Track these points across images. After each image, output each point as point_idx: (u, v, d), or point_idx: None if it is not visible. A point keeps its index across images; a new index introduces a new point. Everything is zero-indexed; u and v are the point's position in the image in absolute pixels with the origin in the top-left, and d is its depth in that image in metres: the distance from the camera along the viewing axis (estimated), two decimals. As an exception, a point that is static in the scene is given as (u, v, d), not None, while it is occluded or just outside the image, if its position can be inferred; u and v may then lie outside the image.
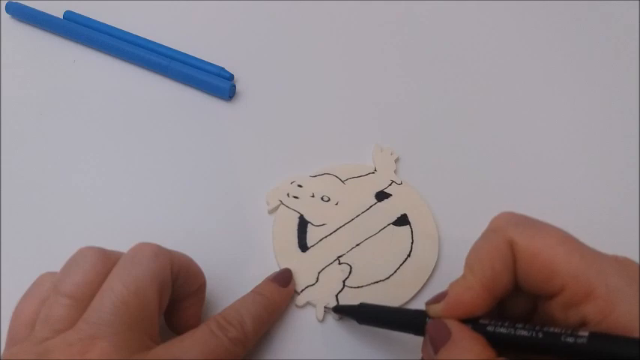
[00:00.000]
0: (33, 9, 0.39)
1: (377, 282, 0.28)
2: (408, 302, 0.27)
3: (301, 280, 0.28)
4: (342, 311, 0.27)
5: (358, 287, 0.28)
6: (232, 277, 0.28)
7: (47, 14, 0.39)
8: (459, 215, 0.30)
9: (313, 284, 0.28)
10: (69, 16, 0.39)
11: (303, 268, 0.28)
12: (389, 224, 0.30)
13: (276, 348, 0.26)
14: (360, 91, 0.36)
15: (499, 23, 0.40)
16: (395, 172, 0.32)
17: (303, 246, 0.29)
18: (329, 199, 0.30)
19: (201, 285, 0.25)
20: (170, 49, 0.37)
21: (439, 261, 0.29)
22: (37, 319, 0.21)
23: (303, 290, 0.28)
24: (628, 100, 0.36)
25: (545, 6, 0.40)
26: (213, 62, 0.36)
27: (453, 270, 0.25)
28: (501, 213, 0.22)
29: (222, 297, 0.27)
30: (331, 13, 0.40)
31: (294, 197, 0.31)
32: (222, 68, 0.36)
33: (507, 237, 0.20)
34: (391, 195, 0.31)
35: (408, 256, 0.29)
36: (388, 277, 0.28)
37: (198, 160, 0.33)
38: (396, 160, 0.32)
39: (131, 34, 0.37)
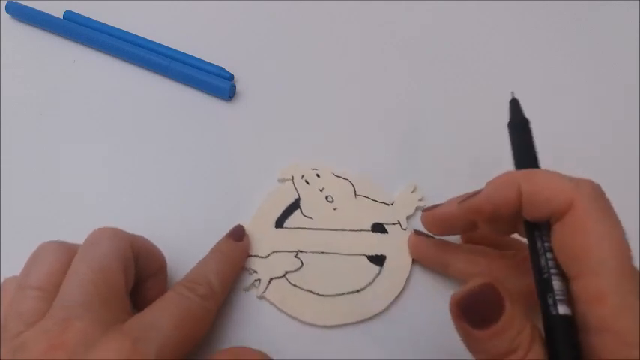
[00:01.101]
0: (33, 9, 0.39)
1: (311, 292, 0.28)
2: (324, 326, 0.27)
3: (256, 248, 0.29)
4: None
5: (294, 285, 0.28)
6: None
7: (47, 14, 0.39)
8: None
9: (261, 257, 0.28)
10: (69, 16, 0.39)
11: (265, 240, 0.29)
12: (364, 255, 0.29)
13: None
14: (361, 91, 0.36)
15: (500, 24, 0.40)
16: (408, 217, 0.30)
17: (279, 223, 0.30)
18: (332, 201, 0.30)
19: (162, 266, 0.26)
20: (170, 49, 0.37)
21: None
22: (8, 317, 0.21)
23: (251, 256, 0.28)
24: (628, 100, 0.36)
25: (545, 6, 0.40)
26: (213, 62, 0.36)
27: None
28: (590, 180, 0.21)
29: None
30: (331, 13, 0.40)
31: (306, 181, 0.31)
32: (222, 68, 0.36)
33: (574, 195, 0.20)
34: (387, 233, 0.29)
35: (357, 291, 0.28)
36: (324, 296, 0.27)
37: (198, 160, 0.33)
38: (418, 208, 0.30)
39: (131, 34, 0.37)
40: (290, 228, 0.29)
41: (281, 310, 0.27)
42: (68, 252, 0.23)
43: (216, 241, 0.28)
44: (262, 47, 0.38)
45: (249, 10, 0.40)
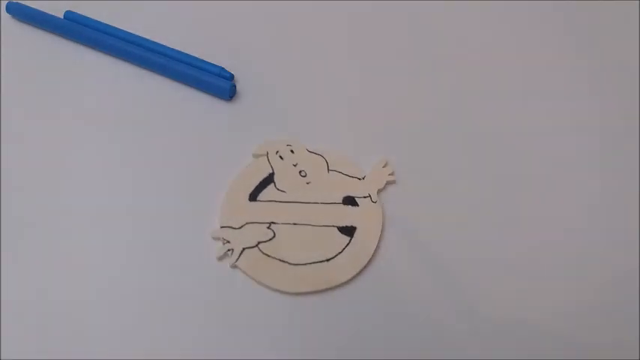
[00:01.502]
0: (33, 9, 0.39)
1: (283, 261, 0.29)
2: (295, 293, 0.28)
3: (230, 220, 0.30)
4: None
5: (265, 255, 0.29)
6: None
7: (47, 14, 0.39)
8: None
9: (235, 228, 0.30)
10: (69, 16, 0.39)
11: (238, 212, 0.30)
12: (334, 226, 0.30)
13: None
14: (361, 91, 0.36)
15: (501, 24, 0.40)
16: (379, 191, 0.31)
17: (254, 196, 0.31)
18: (305, 176, 0.31)
19: None
20: (170, 49, 0.37)
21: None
22: None
23: (224, 227, 0.30)
24: (628, 100, 0.36)
25: (544, 6, 0.40)
26: (213, 62, 0.36)
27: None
28: None
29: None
30: (332, 12, 0.40)
31: (280, 157, 0.32)
32: (222, 68, 0.36)
33: None
34: (358, 205, 0.31)
35: (326, 260, 0.29)
36: (295, 264, 0.29)
37: (198, 160, 0.33)
38: (389, 182, 0.32)
39: (131, 34, 0.37)
40: (263, 201, 0.30)
41: (253, 279, 0.28)
42: None
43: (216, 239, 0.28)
44: (262, 47, 0.38)
45: (249, 10, 0.40)
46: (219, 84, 0.35)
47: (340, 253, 0.29)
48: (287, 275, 0.28)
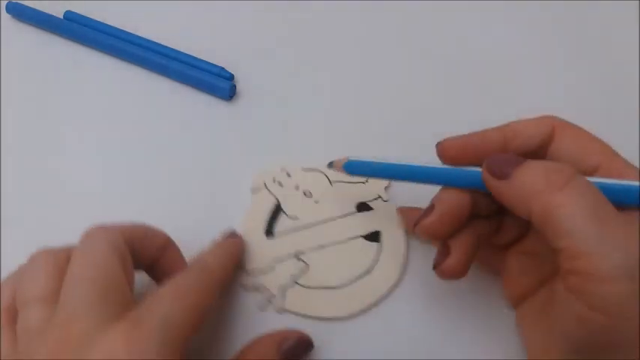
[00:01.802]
0: (33, 9, 0.39)
1: (327, 288, 0.28)
2: (350, 316, 0.27)
3: (256, 263, 0.28)
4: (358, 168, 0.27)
5: (307, 287, 0.28)
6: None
7: (47, 14, 0.39)
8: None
9: (266, 272, 0.28)
10: (69, 16, 0.39)
11: (262, 253, 0.29)
12: (359, 236, 0.29)
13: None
14: (361, 91, 0.36)
15: (498, 23, 0.40)
16: (386, 188, 0.31)
17: (269, 232, 0.29)
18: (311, 195, 0.30)
19: (166, 241, 0.26)
20: (170, 49, 0.37)
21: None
22: (20, 337, 0.21)
23: (255, 276, 0.28)
24: (628, 100, 0.36)
25: (544, 6, 0.40)
26: (213, 62, 0.36)
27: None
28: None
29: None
30: (332, 12, 0.40)
31: (279, 184, 0.31)
32: (222, 68, 0.36)
33: (553, 122, 0.24)
34: (372, 209, 0.30)
35: (367, 272, 0.28)
36: (339, 287, 0.28)
37: (198, 160, 0.33)
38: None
39: (131, 34, 0.37)
40: (281, 233, 0.29)
41: (304, 316, 0.27)
42: (61, 256, 0.23)
43: (216, 238, 0.28)
44: (262, 47, 0.38)
45: (250, 10, 0.40)
46: (219, 84, 0.35)
47: (377, 261, 0.28)
48: (337, 300, 0.27)
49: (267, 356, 0.24)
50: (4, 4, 0.40)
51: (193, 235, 0.30)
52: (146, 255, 0.25)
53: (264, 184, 0.31)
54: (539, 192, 0.20)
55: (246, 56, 0.37)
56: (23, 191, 0.32)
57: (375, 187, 0.31)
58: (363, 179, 0.31)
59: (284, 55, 0.38)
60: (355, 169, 0.27)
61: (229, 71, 0.36)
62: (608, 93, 0.36)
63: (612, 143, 0.33)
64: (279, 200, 0.30)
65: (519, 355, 0.26)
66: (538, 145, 0.23)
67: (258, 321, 0.27)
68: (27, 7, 0.39)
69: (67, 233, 0.28)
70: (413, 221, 0.24)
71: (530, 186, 0.21)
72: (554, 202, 0.20)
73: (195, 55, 0.36)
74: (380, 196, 0.30)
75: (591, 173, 0.22)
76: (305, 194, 0.30)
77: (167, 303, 0.21)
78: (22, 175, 0.33)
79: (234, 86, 0.35)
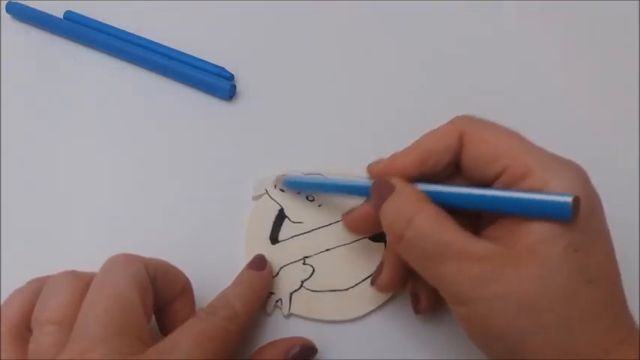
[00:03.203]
0: (33, 9, 0.39)
1: (335, 290, 0.28)
2: (361, 317, 0.27)
3: None
4: (290, 184, 0.30)
5: (315, 291, 0.28)
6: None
7: (47, 14, 0.39)
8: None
9: (273, 277, 0.28)
10: (69, 16, 0.39)
11: (268, 259, 0.28)
12: (364, 237, 0.29)
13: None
14: (361, 91, 0.36)
15: (500, 23, 0.40)
16: None
17: (274, 239, 0.29)
18: (313, 199, 0.30)
19: (185, 286, 0.25)
20: (170, 49, 0.37)
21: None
22: (28, 354, 0.21)
23: None
24: (628, 100, 0.36)
25: (544, 6, 0.40)
26: (213, 62, 0.36)
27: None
28: (463, 114, 0.25)
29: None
30: (331, 12, 0.40)
31: (280, 190, 0.31)
32: (223, 68, 0.36)
33: (459, 127, 0.24)
34: None
35: (368, 277, 0.28)
36: (347, 289, 0.28)
37: (198, 160, 0.33)
38: None
39: (131, 34, 0.37)
40: (286, 239, 0.29)
41: (311, 319, 0.27)
42: (82, 281, 0.22)
43: (216, 238, 0.28)
44: (262, 47, 0.38)
45: (249, 10, 0.40)
46: (219, 84, 0.35)
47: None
48: (344, 302, 0.28)
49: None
50: (4, 4, 0.40)
51: (193, 235, 0.30)
52: (165, 294, 0.24)
53: (266, 190, 0.31)
54: (390, 242, 0.23)
55: (246, 56, 0.37)
56: (23, 191, 0.32)
57: None
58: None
59: (284, 55, 0.38)
60: (292, 185, 0.30)
61: (229, 71, 0.36)
62: (608, 93, 0.36)
63: (612, 143, 0.34)
64: (282, 206, 0.30)
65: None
66: (450, 160, 0.24)
67: (264, 326, 0.27)
68: (27, 7, 0.39)
69: (66, 234, 0.28)
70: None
71: (388, 235, 0.23)
72: (400, 252, 0.23)
73: (195, 55, 0.36)
74: None
75: (500, 175, 0.22)
76: (307, 198, 0.30)
77: (186, 350, 0.21)
78: (22, 175, 0.33)
79: (234, 86, 0.35)
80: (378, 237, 0.29)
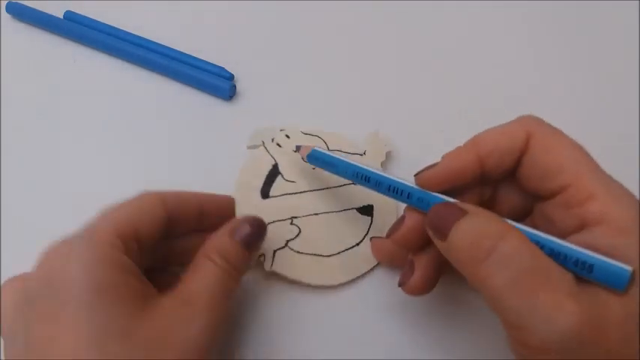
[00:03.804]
0: (33, 9, 0.39)
1: (316, 255, 0.28)
2: (336, 286, 0.28)
3: None
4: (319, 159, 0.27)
5: (298, 252, 0.28)
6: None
7: (47, 14, 0.39)
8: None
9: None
10: (69, 16, 0.39)
11: (255, 212, 0.28)
12: (353, 208, 0.29)
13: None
14: (361, 91, 0.36)
15: (500, 21, 0.40)
16: (382, 163, 0.31)
17: (265, 193, 0.29)
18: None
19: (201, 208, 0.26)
20: (170, 49, 0.37)
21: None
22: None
23: None
24: (628, 100, 0.36)
25: (544, 6, 0.40)
26: (213, 62, 0.36)
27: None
28: (529, 114, 0.22)
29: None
30: (331, 12, 0.40)
31: (277, 145, 0.31)
32: (223, 68, 0.36)
33: (527, 128, 0.21)
34: None
35: (357, 244, 0.28)
36: (329, 256, 0.28)
37: (198, 160, 0.33)
38: (388, 153, 0.31)
39: (131, 34, 0.37)
40: (277, 196, 0.29)
41: (292, 280, 0.27)
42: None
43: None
44: (262, 47, 0.38)
45: (249, 10, 0.40)
46: (219, 84, 0.35)
47: (367, 234, 0.29)
48: (325, 268, 0.28)
49: (224, 245, 0.23)
50: (4, 4, 0.40)
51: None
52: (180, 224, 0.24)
53: (262, 142, 0.31)
54: (465, 263, 0.19)
55: (246, 56, 0.37)
56: (23, 191, 0.32)
57: (372, 159, 0.31)
58: (361, 150, 0.31)
59: (284, 54, 0.38)
60: (316, 160, 0.28)
61: (229, 71, 0.36)
62: (608, 93, 0.36)
63: (612, 143, 0.34)
64: (278, 162, 0.30)
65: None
66: (513, 162, 0.22)
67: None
68: (27, 7, 0.39)
69: (66, 233, 0.28)
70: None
71: (459, 254, 0.20)
72: (479, 275, 0.19)
73: (195, 55, 0.36)
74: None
75: (560, 193, 0.20)
76: (303, 159, 0.29)
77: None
78: (22, 175, 0.33)
79: (234, 86, 0.35)
80: (366, 210, 0.29)
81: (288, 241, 0.28)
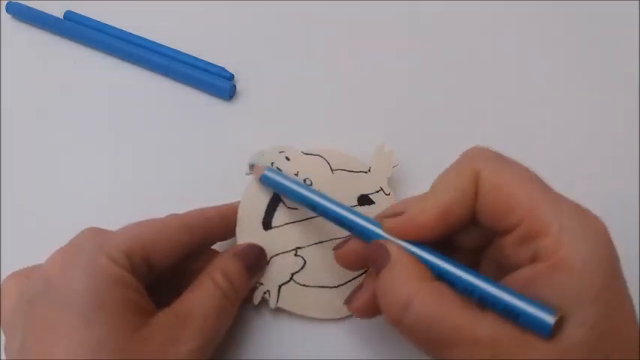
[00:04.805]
0: (33, 9, 0.39)
1: (324, 287, 0.27)
2: (347, 317, 0.27)
3: None
4: (273, 183, 0.27)
5: (304, 285, 0.27)
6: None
7: (47, 14, 0.39)
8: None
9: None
10: (69, 16, 0.39)
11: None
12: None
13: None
14: (362, 91, 0.36)
15: (502, 23, 0.40)
16: (389, 178, 0.29)
17: (267, 224, 0.28)
18: (311, 184, 0.28)
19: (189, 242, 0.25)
20: (170, 49, 0.37)
21: None
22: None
23: None
24: (628, 100, 0.36)
25: (544, 6, 0.40)
26: (213, 62, 0.36)
27: None
28: (474, 146, 0.22)
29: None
30: (332, 12, 0.40)
31: (278, 169, 0.29)
32: (223, 68, 0.36)
33: (474, 167, 0.21)
34: (374, 203, 0.28)
35: (362, 273, 0.27)
36: (336, 286, 0.27)
37: (198, 160, 0.33)
38: (395, 167, 0.30)
39: (131, 34, 0.37)
40: (280, 226, 0.28)
41: (299, 315, 0.27)
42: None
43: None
44: (262, 47, 0.38)
45: (250, 10, 0.40)
46: (219, 84, 0.35)
47: None
48: (331, 301, 0.26)
49: (228, 266, 0.25)
50: (4, 4, 0.40)
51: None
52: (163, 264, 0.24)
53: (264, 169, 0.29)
54: (387, 314, 0.20)
55: (246, 56, 0.37)
56: (23, 191, 0.32)
57: (377, 177, 0.29)
58: (366, 167, 0.30)
59: (284, 55, 0.38)
60: (269, 184, 0.27)
61: (229, 71, 0.36)
62: (608, 93, 0.36)
63: (612, 143, 0.34)
64: None
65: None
66: (470, 210, 0.21)
67: (247, 317, 0.27)
68: (27, 7, 0.39)
69: (66, 233, 0.28)
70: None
71: (381, 301, 0.21)
72: (401, 334, 0.20)
73: (195, 55, 0.36)
74: (382, 189, 0.29)
75: (514, 229, 0.20)
76: (305, 181, 0.28)
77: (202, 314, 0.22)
78: (22, 175, 0.33)
79: (234, 86, 0.35)
80: None
81: (293, 274, 0.27)
